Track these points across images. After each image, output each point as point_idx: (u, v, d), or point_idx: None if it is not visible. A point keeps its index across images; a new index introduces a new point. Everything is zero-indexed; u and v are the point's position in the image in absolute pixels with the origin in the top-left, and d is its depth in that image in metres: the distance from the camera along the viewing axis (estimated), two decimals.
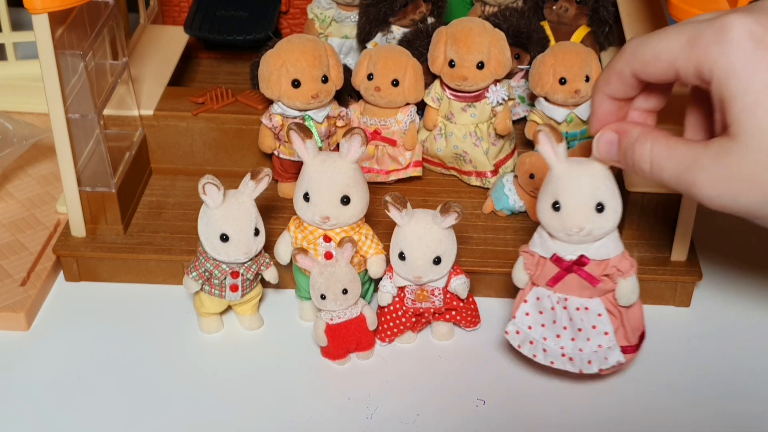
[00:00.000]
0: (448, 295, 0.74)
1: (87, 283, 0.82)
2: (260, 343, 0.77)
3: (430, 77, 0.86)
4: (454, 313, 0.75)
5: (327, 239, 0.73)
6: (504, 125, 0.85)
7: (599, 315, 0.69)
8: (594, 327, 0.69)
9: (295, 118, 0.82)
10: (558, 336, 0.70)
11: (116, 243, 0.82)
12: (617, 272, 0.68)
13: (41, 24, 0.71)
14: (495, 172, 0.87)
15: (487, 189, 0.87)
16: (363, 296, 0.75)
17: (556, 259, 0.68)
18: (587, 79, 0.83)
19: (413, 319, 0.75)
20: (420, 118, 0.87)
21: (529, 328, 0.70)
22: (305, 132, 0.71)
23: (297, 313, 0.79)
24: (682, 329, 0.78)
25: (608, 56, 0.96)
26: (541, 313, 0.70)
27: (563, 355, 0.70)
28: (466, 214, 0.84)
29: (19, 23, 1.09)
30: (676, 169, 0.56)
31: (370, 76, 0.84)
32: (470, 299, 0.76)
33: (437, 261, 0.71)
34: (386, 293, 0.74)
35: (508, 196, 0.83)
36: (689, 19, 0.57)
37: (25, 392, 0.72)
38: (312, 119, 0.82)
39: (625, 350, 0.70)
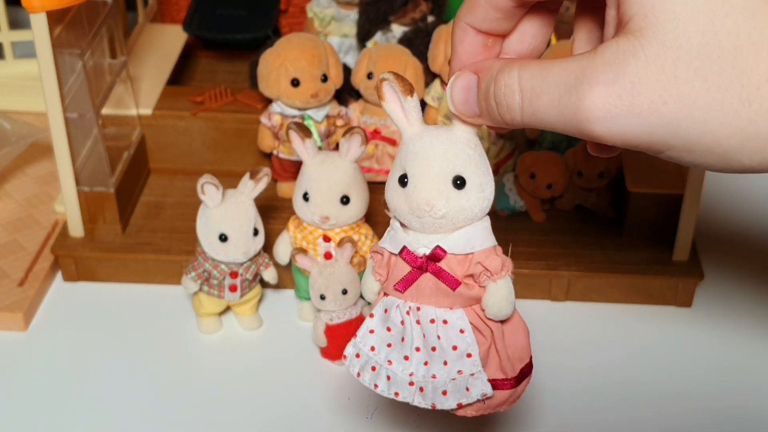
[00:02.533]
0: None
1: (85, 283, 0.82)
2: (259, 344, 0.77)
3: (430, 76, 0.86)
4: None
5: (326, 239, 0.73)
6: None
7: (461, 331, 0.51)
8: (454, 348, 0.51)
9: (294, 117, 0.82)
10: (406, 358, 0.52)
11: (114, 243, 0.81)
12: (484, 272, 0.51)
13: (39, 23, 0.71)
14: (495, 171, 0.87)
15: None
16: (363, 296, 0.75)
17: (407, 254, 0.51)
18: None
19: None
20: None
21: (372, 349, 0.54)
22: (304, 131, 0.71)
23: (296, 314, 0.79)
24: (684, 329, 0.78)
25: None
26: (388, 329, 0.53)
27: (411, 383, 0.52)
28: None
29: (17, 22, 1.09)
30: (555, 93, 0.40)
31: (369, 75, 0.84)
32: None
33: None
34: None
35: (509, 196, 0.83)
36: None
37: (23, 392, 0.72)
38: (311, 118, 0.82)
39: (497, 385, 0.53)
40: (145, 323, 0.78)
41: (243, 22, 1.00)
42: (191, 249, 0.79)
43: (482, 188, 0.49)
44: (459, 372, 0.51)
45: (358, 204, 0.72)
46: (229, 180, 0.75)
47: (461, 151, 0.49)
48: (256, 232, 0.73)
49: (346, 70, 0.85)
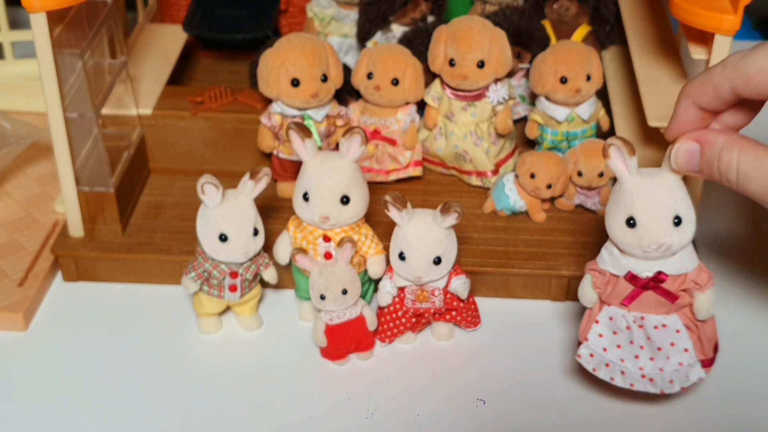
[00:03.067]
0: (448, 296, 0.73)
1: (85, 283, 0.82)
2: (259, 344, 0.77)
3: (430, 76, 0.86)
4: (454, 313, 0.75)
5: (326, 239, 0.73)
6: (505, 125, 0.85)
7: (677, 331, 0.66)
8: (673, 344, 0.66)
9: (294, 117, 0.82)
10: (636, 357, 0.66)
11: (114, 243, 0.81)
12: (695, 286, 0.65)
13: (39, 23, 0.71)
14: (495, 171, 0.87)
15: (488, 189, 0.86)
16: (363, 296, 0.75)
17: (631, 277, 0.65)
18: (588, 78, 0.83)
19: (413, 320, 0.75)
20: (420, 118, 0.87)
21: (604, 350, 0.67)
22: (304, 131, 0.71)
23: (296, 314, 0.79)
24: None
25: (609, 55, 0.96)
26: (615, 333, 0.67)
27: (643, 376, 0.66)
28: (466, 214, 0.84)
29: (17, 22, 1.09)
30: (764, 182, 0.54)
31: (369, 75, 0.84)
32: (471, 299, 0.75)
33: (437, 261, 0.71)
34: (386, 293, 0.73)
35: (509, 196, 0.83)
36: None
37: (23, 392, 0.72)
38: (311, 118, 0.82)
39: (702, 364, 0.67)
40: (145, 323, 0.78)
41: (243, 22, 1.00)
42: (191, 249, 0.79)
43: (692, 221, 0.63)
44: (680, 364, 0.65)
45: (358, 204, 0.72)
46: (229, 180, 0.75)
47: (677, 195, 0.62)
48: (256, 232, 0.73)
49: (346, 70, 0.85)
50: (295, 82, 0.80)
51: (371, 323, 0.73)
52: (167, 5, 1.06)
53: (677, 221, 0.62)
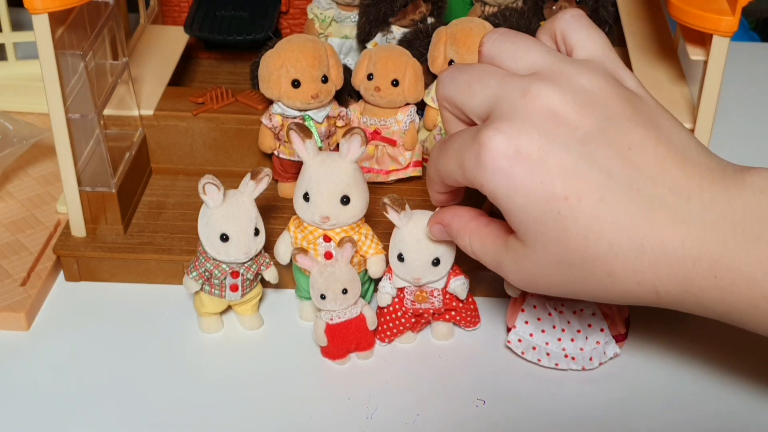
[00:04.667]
0: (447, 296, 0.74)
1: (87, 283, 0.82)
2: (260, 343, 0.77)
3: (430, 77, 0.86)
4: (453, 313, 0.75)
5: (327, 239, 0.73)
6: None
7: (593, 314, 0.73)
8: (590, 326, 0.72)
9: (294, 118, 0.82)
10: (559, 339, 0.72)
11: (116, 243, 0.82)
12: None
13: (41, 24, 0.71)
14: None
15: None
16: (363, 296, 0.75)
17: None
18: None
19: (413, 320, 0.75)
20: (420, 118, 0.87)
21: (530, 335, 0.73)
22: (305, 132, 0.71)
23: (297, 313, 0.79)
24: (683, 329, 0.78)
25: None
26: (539, 320, 0.73)
27: (566, 356, 0.73)
28: None
29: (19, 23, 1.09)
30: (491, 263, 0.63)
31: (370, 76, 0.84)
32: (470, 299, 0.76)
33: (436, 263, 0.71)
34: (385, 294, 0.74)
35: None
36: (461, 130, 0.62)
37: (25, 392, 0.72)
38: (312, 119, 0.82)
39: (616, 339, 0.74)
40: (146, 323, 0.78)
41: (244, 24, 1.00)
42: (192, 249, 0.79)
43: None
44: (597, 342, 0.73)
45: (359, 204, 0.72)
46: (230, 180, 0.75)
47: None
48: (257, 232, 0.73)
49: (347, 71, 0.85)
50: (296, 83, 0.80)
51: (371, 323, 0.74)
52: (169, 7, 1.06)
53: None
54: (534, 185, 0.56)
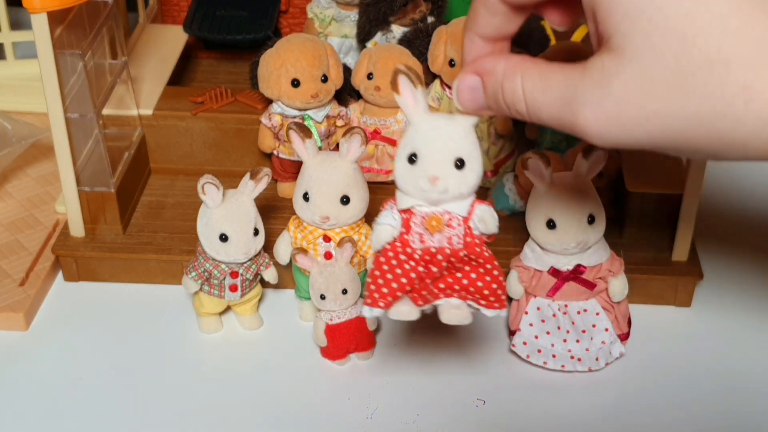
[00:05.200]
0: (469, 236, 0.56)
1: (86, 283, 0.82)
2: (260, 343, 0.77)
3: (430, 77, 0.86)
4: (474, 276, 0.57)
5: (327, 239, 0.73)
6: (505, 125, 0.85)
7: (597, 314, 0.73)
8: (594, 326, 0.72)
9: (294, 117, 0.82)
10: (564, 340, 0.72)
11: (115, 243, 0.82)
12: (609, 273, 0.72)
13: (40, 23, 0.71)
14: (495, 171, 0.87)
15: (488, 189, 0.86)
16: (363, 296, 0.75)
17: (554, 272, 0.71)
18: None
19: (420, 269, 0.57)
20: None
21: (535, 337, 0.72)
22: (305, 132, 0.71)
23: (297, 313, 0.79)
24: (683, 329, 0.78)
25: None
26: (543, 321, 0.72)
27: (572, 357, 0.72)
28: None
29: (18, 23, 1.09)
30: (553, 107, 0.44)
31: (369, 76, 0.84)
32: (495, 263, 0.58)
33: (460, 164, 0.54)
34: (384, 226, 0.56)
35: (509, 196, 0.83)
36: None
37: (24, 392, 0.72)
38: (311, 119, 0.82)
39: (619, 338, 0.73)
40: (145, 323, 0.78)
41: (243, 23, 1.00)
42: (192, 249, 0.79)
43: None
44: (602, 342, 0.72)
45: (358, 204, 0.72)
46: (229, 180, 0.75)
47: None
48: (256, 232, 0.73)
49: (346, 71, 0.85)
50: (296, 83, 0.80)
51: (371, 323, 0.74)
52: (168, 6, 1.06)
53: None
54: None
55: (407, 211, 0.56)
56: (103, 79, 0.81)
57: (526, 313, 0.73)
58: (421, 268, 0.57)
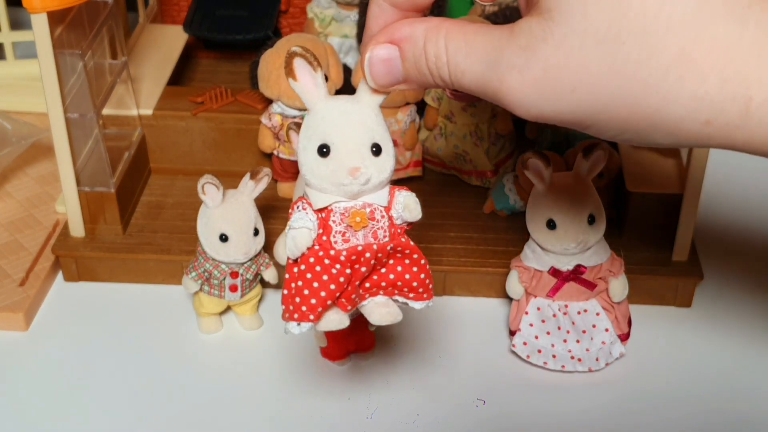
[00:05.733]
0: (392, 229, 0.53)
1: (86, 283, 0.82)
2: (260, 343, 0.77)
3: None
4: (399, 269, 0.53)
5: None
6: (505, 125, 0.85)
7: (597, 314, 0.73)
8: (594, 326, 0.72)
9: (294, 117, 0.82)
10: (564, 341, 0.72)
11: (115, 243, 0.82)
12: (609, 273, 0.72)
13: (40, 23, 0.71)
14: (495, 171, 0.87)
15: (488, 189, 0.87)
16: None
17: (554, 272, 0.71)
18: None
19: (347, 271, 0.51)
20: (420, 118, 0.87)
21: (535, 338, 0.72)
22: None
23: None
24: (683, 329, 0.78)
25: None
26: (543, 321, 0.73)
27: (572, 357, 0.72)
28: (466, 214, 0.84)
29: (18, 22, 1.09)
30: (476, 71, 0.40)
31: None
32: (419, 251, 0.54)
33: (377, 150, 0.51)
34: (300, 229, 0.51)
35: (509, 196, 0.83)
36: None
37: (23, 392, 0.72)
38: None
39: (620, 339, 0.73)
40: (145, 323, 0.78)
41: (243, 23, 1.00)
42: (192, 249, 0.79)
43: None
44: (603, 342, 0.72)
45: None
46: (229, 180, 0.75)
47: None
48: (256, 232, 0.73)
49: (347, 71, 0.85)
50: None
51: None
52: (168, 6, 1.06)
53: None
54: None
55: (324, 210, 0.51)
56: (103, 79, 0.81)
57: (527, 313, 0.73)
58: (348, 270, 0.52)
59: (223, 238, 0.72)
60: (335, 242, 0.51)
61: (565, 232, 0.70)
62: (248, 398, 0.71)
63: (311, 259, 0.51)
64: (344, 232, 0.51)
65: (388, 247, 0.52)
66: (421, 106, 0.87)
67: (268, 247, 0.75)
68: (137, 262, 0.81)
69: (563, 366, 0.72)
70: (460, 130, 0.85)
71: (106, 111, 0.83)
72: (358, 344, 0.74)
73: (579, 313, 0.73)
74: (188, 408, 0.71)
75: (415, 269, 0.53)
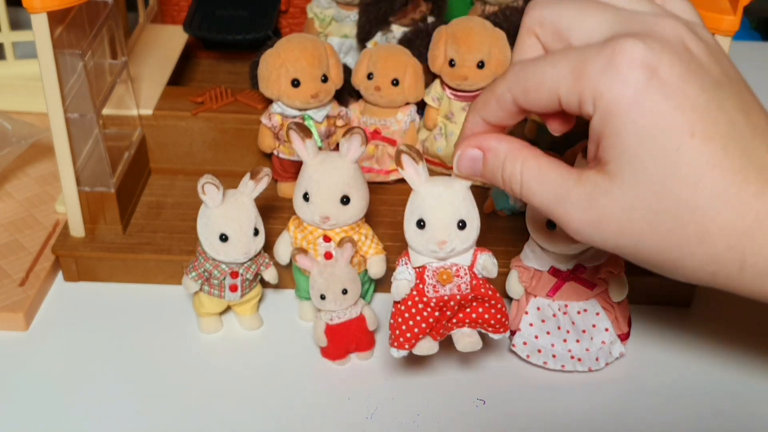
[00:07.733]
0: (474, 280, 0.67)
1: (86, 283, 0.82)
2: (260, 343, 0.77)
3: (430, 77, 0.86)
4: (481, 311, 0.68)
5: (327, 239, 0.73)
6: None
7: (597, 314, 0.73)
8: (594, 326, 0.72)
9: (294, 117, 0.82)
10: (564, 340, 0.72)
11: (115, 243, 0.82)
12: (609, 273, 0.72)
13: (40, 23, 0.71)
14: None
15: (488, 189, 0.87)
16: (363, 296, 0.75)
17: (554, 272, 0.71)
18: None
19: (436, 313, 0.67)
20: (420, 118, 0.87)
21: (535, 337, 0.73)
22: (305, 132, 0.71)
23: (297, 313, 0.79)
24: (683, 329, 0.78)
25: None
26: (543, 321, 0.73)
27: (572, 357, 0.72)
28: None
29: (18, 22, 1.09)
30: (546, 198, 0.53)
31: (370, 76, 0.84)
32: (497, 295, 0.69)
33: (462, 225, 0.64)
34: (402, 281, 0.66)
35: (509, 196, 0.83)
36: (557, 51, 0.53)
37: (23, 392, 0.72)
38: (311, 119, 0.82)
39: (620, 338, 0.74)
40: (145, 323, 0.78)
41: (243, 23, 1.00)
42: (192, 249, 0.79)
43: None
44: (603, 342, 0.73)
45: (358, 204, 0.72)
46: (229, 180, 0.75)
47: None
48: (256, 232, 0.73)
49: (347, 71, 0.85)
50: (296, 83, 0.80)
51: (371, 323, 0.74)
52: (168, 6, 1.06)
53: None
54: (665, 110, 0.48)
55: (420, 267, 0.66)
56: (103, 79, 0.81)
57: (526, 313, 0.73)
58: (437, 313, 0.67)
59: (223, 238, 0.72)
60: (428, 291, 0.66)
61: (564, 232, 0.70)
62: (248, 398, 0.71)
63: (409, 302, 0.67)
64: (435, 285, 0.66)
65: (470, 296, 0.67)
66: (421, 106, 0.87)
67: (268, 247, 0.75)
68: (137, 262, 0.81)
69: (563, 366, 0.72)
70: (460, 130, 0.85)
71: (106, 111, 0.83)
72: (358, 344, 0.74)
73: (579, 312, 0.73)
74: (188, 408, 0.71)
75: (493, 311, 0.68)
